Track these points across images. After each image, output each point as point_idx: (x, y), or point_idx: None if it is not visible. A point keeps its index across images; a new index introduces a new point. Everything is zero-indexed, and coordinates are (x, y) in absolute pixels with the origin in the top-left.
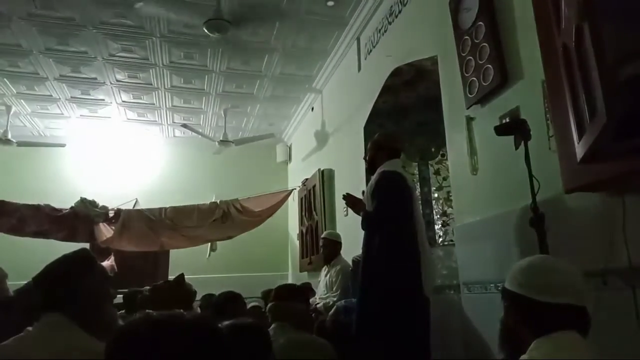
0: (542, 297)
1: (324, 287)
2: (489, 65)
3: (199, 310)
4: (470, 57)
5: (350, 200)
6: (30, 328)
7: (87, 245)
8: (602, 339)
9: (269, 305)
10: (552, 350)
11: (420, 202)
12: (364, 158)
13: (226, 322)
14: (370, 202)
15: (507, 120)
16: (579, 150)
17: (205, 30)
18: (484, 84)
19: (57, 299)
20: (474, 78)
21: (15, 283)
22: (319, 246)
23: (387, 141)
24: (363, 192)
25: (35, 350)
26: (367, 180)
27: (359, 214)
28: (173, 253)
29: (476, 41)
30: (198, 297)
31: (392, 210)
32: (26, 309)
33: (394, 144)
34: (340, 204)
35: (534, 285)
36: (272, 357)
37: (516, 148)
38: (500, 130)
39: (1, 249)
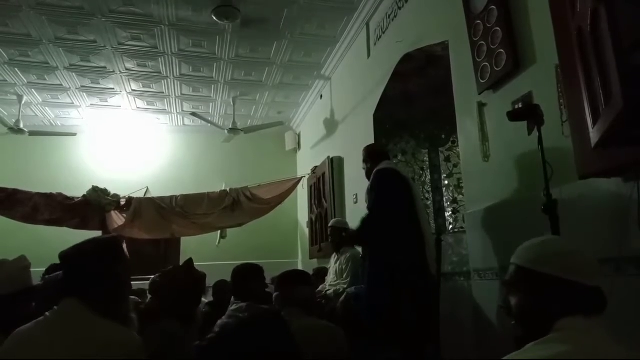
0: (570, 276)
1: (333, 274)
2: (502, 50)
3: (210, 294)
4: (482, 42)
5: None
6: (48, 313)
7: (99, 233)
8: (615, 326)
9: (275, 294)
10: (579, 335)
11: (427, 190)
12: (366, 173)
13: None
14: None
15: (520, 105)
16: (594, 135)
17: (214, 18)
18: (496, 69)
19: (79, 283)
20: (486, 63)
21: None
22: (329, 234)
23: (374, 149)
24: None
25: (48, 335)
26: None
27: (357, 240)
28: (184, 240)
29: (488, 25)
30: (209, 283)
31: (389, 197)
32: (52, 300)
33: (380, 149)
34: (350, 192)
35: (560, 265)
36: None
37: (529, 134)
38: (513, 115)
39: (14, 236)
